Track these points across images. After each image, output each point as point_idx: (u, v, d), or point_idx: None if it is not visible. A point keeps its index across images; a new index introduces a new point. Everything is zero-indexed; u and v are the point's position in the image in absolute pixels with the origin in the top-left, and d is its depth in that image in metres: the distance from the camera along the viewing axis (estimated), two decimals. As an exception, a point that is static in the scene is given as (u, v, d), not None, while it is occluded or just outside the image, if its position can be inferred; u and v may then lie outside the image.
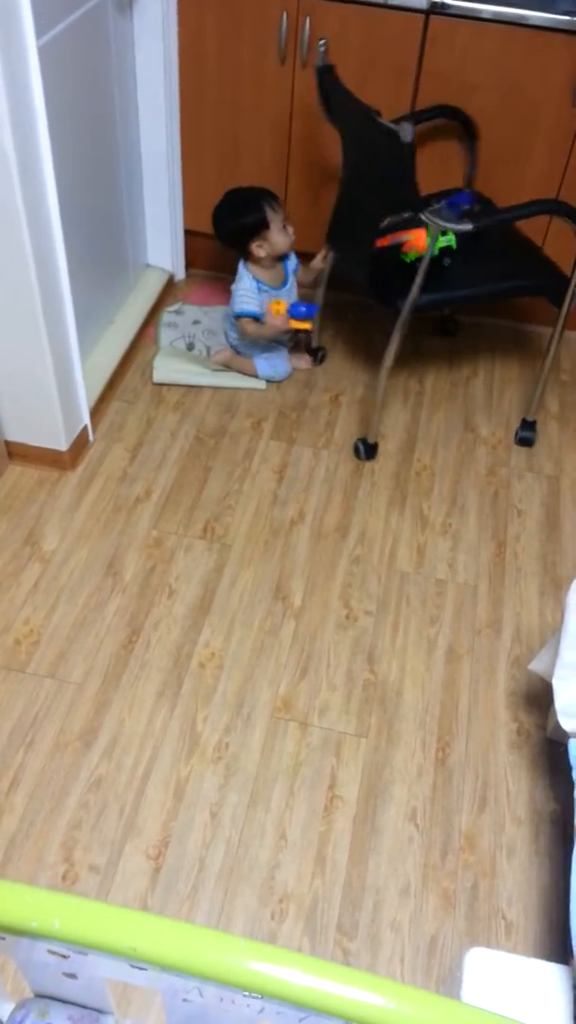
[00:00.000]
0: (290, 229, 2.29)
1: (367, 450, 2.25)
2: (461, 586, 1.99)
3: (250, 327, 2.36)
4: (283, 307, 2.30)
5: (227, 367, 2.45)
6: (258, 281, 2.33)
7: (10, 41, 1.50)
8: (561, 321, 2.11)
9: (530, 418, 2.32)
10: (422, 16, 2.13)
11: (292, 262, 2.40)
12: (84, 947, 0.72)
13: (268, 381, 2.44)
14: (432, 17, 2.13)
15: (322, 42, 1.98)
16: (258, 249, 2.28)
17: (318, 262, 2.37)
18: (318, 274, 2.39)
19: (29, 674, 1.74)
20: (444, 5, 2.10)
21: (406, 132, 1.74)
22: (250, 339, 2.40)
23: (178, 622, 1.86)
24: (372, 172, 2.02)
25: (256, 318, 2.34)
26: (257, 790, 1.61)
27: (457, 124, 2.24)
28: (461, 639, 1.88)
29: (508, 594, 1.98)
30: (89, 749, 1.64)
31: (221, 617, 1.88)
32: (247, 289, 2.33)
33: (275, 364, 2.43)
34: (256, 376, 2.43)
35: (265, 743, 1.68)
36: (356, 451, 2.26)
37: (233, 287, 2.36)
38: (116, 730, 1.67)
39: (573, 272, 2.01)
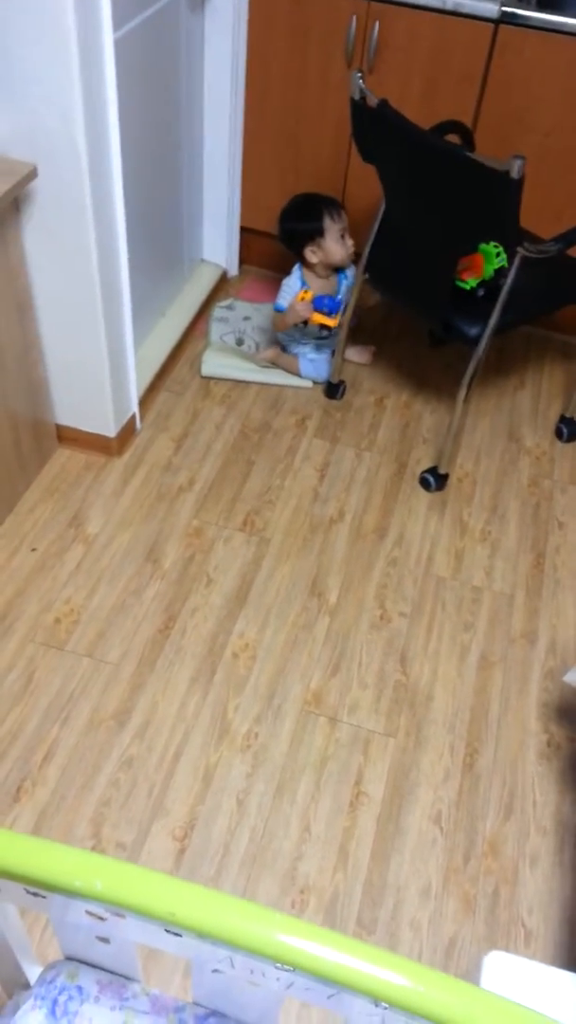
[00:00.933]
0: (349, 241, 2.30)
1: (437, 481, 2.18)
2: (497, 594, 1.99)
3: (277, 320, 2.39)
4: (309, 296, 2.30)
5: (273, 364, 2.47)
6: (305, 283, 2.35)
7: (88, 33, 1.54)
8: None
9: (568, 414, 2.36)
10: (491, 25, 2.14)
11: (348, 278, 2.40)
12: (123, 909, 0.75)
13: (312, 380, 2.46)
14: (501, 26, 2.14)
15: (358, 74, 1.85)
16: (311, 255, 2.30)
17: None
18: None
19: (68, 652, 1.78)
20: (514, 15, 2.11)
21: (516, 168, 1.63)
22: (282, 332, 2.42)
23: (214, 611, 1.88)
24: (452, 209, 1.85)
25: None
26: (284, 781, 1.63)
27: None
28: (495, 647, 1.89)
29: (545, 606, 1.98)
30: (122, 729, 1.67)
31: (257, 609, 1.90)
32: (290, 287, 2.35)
33: (318, 365, 2.45)
34: (299, 375, 2.45)
35: (294, 735, 1.69)
36: (425, 483, 2.19)
37: (282, 283, 2.39)
38: (149, 712, 1.70)
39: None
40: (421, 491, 2.20)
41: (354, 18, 2.20)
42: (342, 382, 2.44)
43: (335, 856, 1.55)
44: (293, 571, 1.99)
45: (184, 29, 2.14)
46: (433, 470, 2.19)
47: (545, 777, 1.68)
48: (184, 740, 1.67)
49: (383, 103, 1.82)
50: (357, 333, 2.52)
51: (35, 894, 0.81)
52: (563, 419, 2.38)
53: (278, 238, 2.38)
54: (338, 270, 2.38)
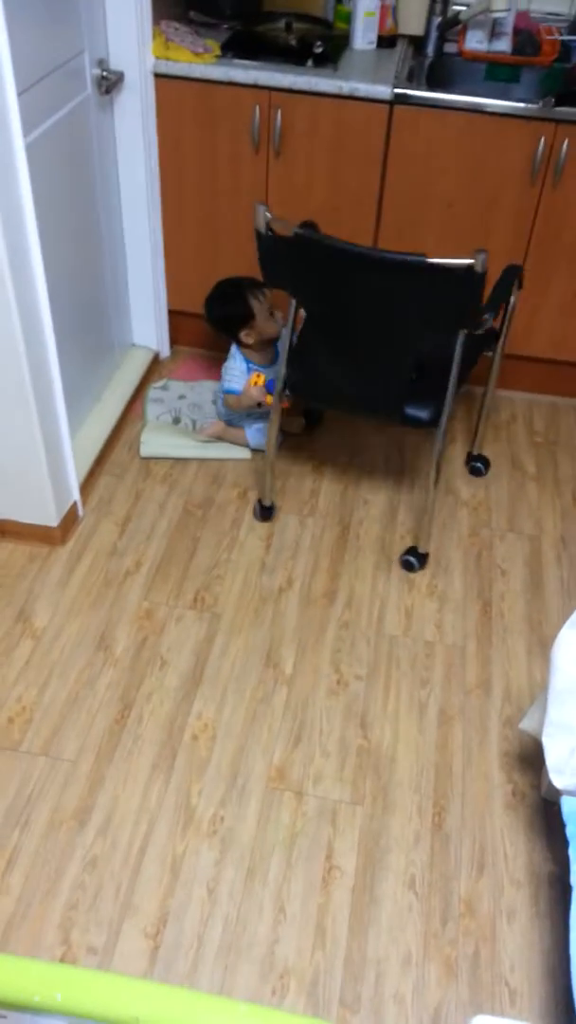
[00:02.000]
0: (278, 315, 2.37)
1: (420, 560, 2.18)
2: (449, 647, 2.01)
3: (232, 401, 2.43)
4: (262, 380, 2.37)
5: (220, 439, 2.51)
6: (248, 361, 2.40)
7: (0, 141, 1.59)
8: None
9: (475, 452, 2.47)
10: (387, 106, 2.26)
11: (285, 340, 2.47)
12: (87, 1020, 0.73)
13: (258, 450, 2.50)
14: (396, 107, 2.26)
15: (263, 207, 1.79)
16: (247, 337, 2.37)
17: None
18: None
19: (23, 752, 1.74)
20: (406, 95, 2.23)
21: (480, 262, 1.65)
22: (234, 412, 2.47)
23: (170, 694, 1.87)
24: (406, 313, 1.82)
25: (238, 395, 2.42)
26: (254, 864, 1.60)
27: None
28: (452, 700, 1.90)
29: (496, 653, 2.00)
30: (84, 828, 1.63)
31: (213, 687, 1.89)
32: (236, 368, 2.41)
33: (264, 432, 2.49)
34: (248, 446, 2.49)
35: (260, 815, 1.67)
36: (408, 565, 2.17)
37: (224, 365, 2.43)
38: (110, 807, 1.66)
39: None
40: (367, 552, 2.23)
41: (257, 107, 2.31)
42: (272, 504, 2.35)
43: (312, 935, 1.52)
44: (247, 644, 1.98)
45: (95, 126, 2.22)
46: (413, 550, 2.19)
47: (513, 828, 1.68)
48: (148, 832, 1.63)
49: (307, 227, 1.79)
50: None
51: (-4, 1017, 0.78)
52: (472, 457, 2.48)
53: (210, 325, 2.43)
54: (272, 341, 2.44)
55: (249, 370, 2.41)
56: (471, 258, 1.66)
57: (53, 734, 1.77)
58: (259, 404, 2.39)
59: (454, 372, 1.90)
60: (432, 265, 1.68)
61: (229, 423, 2.52)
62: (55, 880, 1.55)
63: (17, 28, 1.69)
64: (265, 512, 2.30)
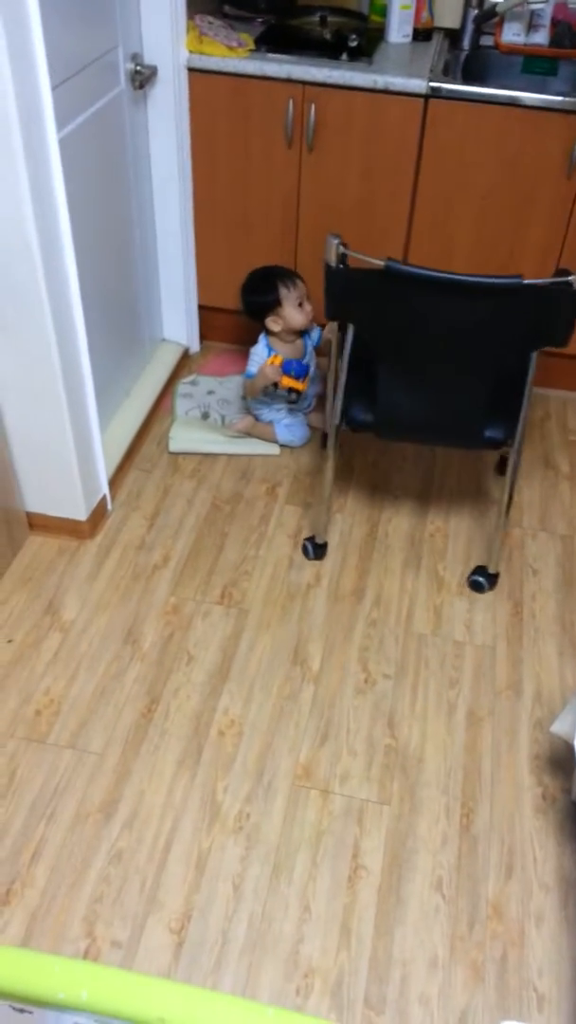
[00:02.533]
0: (308, 307, 2.36)
1: (490, 581, 2.10)
2: (479, 647, 1.98)
3: (247, 384, 2.44)
4: (279, 360, 2.35)
5: (247, 434, 2.50)
6: (271, 349, 2.40)
7: (32, 135, 1.59)
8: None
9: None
10: (422, 100, 2.24)
11: (313, 338, 2.47)
12: (112, 1018, 0.72)
13: (287, 446, 2.49)
14: (431, 100, 2.23)
15: (335, 240, 1.64)
16: (273, 324, 2.36)
17: (326, 333, 2.43)
18: (327, 344, 2.45)
19: (50, 745, 1.74)
20: (440, 89, 2.20)
21: None
22: (253, 398, 2.45)
23: (197, 689, 1.86)
24: (496, 336, 1.73)
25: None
26: (279, 861, 1.59)
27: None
28: (481, 701, 1.87)
29: (527, 654, 1.97)
30: (109, 821, 1.63)
31: (240, 683, 1.88)
32: (257, 354, 2.40)
33: (293, 429, 2.48)
34: (276, 442, 2.48)
35: (287, 812, 1.66)
36: (476, 586, 2.10)
37: (250, 352, 2.43)
38: (136, 801, 1.66)
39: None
40: (396, 549, 2.21)
41: (291, 101, 2.30)
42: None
43: (337, 935, 1.50)
44: (274, 641, 1.97)
45: (128, 121, 2.21)
46: (482, 570, 2.11)
47: (543, 831, 1.65)
48: (174, 827, 1.63)
49: (392, 263, 1.61)
50: (323, 399, 2.56)
51: (21, 1010, 0.78)
52: (504, 456, 2.37)
53: (242, 311, 2.43)
54: (302, 333, 2.43)
55: (271, 354, 2.39)
56: (572, 276, 1.58)
57: (80, 727, 1.78)
58: (275, 385, 2.36)
59: (528, 387, 1.83)
60: (529, 286, 1.60)
61: (258, 418, 2.51)
62: (80, 873, 1.56)
63: (52, 23, 1.69)
64: (318, 550, 2.15)
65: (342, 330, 1.87)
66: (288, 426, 2.48)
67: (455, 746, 1.79)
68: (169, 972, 1.44)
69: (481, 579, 2.11)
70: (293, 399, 2.44)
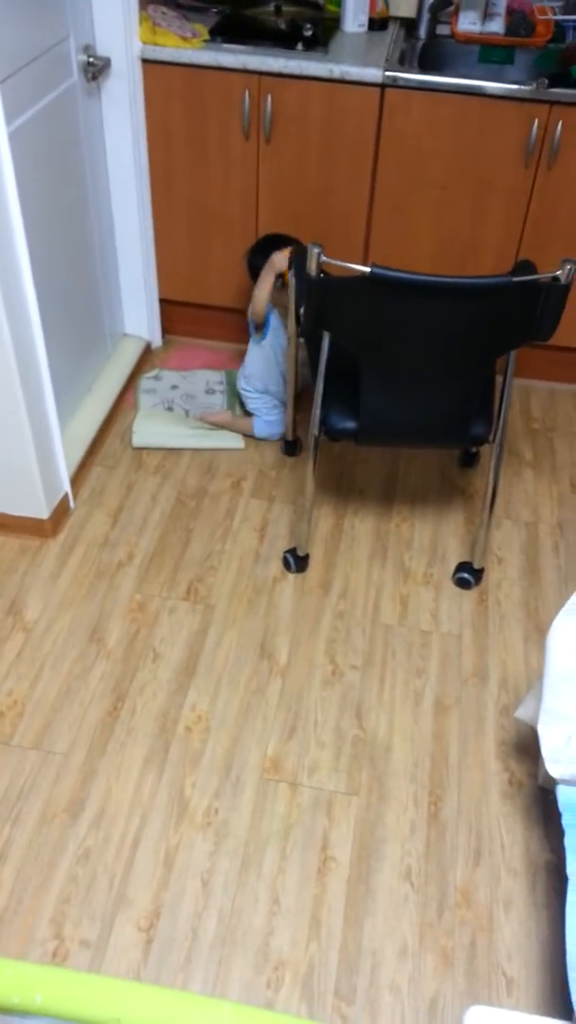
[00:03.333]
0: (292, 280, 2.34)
1: (476, 576, 2.09)
2: (445, 636, 1.99)
3: (257, 300, 2.33)
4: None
5: (223, 427, 2.49)
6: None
7: (-19, 129, 1.56)
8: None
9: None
10: (378, 89, 2.23)
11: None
12: (67, 1021, 0.71)
13: (265, 440, 2.49)
14: (388, 90, 2.23)
15: (317, 249, 1.60)
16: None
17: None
18: None
19: (14, 746, 1.72)
20: (396, 79, 2.20)
21: (567, 272, 1.59)
22: (257, 315, 2.38)
23: (163, 686, 1.85)
24: (483, 333, 1.70)
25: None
26: (248, 855, 1.59)
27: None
28: (448, 689, 1.88)
29: (492, 642, 1.98)
30: (76, 821, 1.62)
31: (207, 678, 1.87)
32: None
33: (273, 425, 2.46)
34: (253, 435, 2.47)
35: (255, 806, 1.66)
36: (463, 583, 2.08)
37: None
38: (103, 800, 1.65)
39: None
40: (362, 541, 2.21)
41: (247, 92, 2.28)
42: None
43: (307, 927, 1.50)
44: (241, 635, 1.97)
45: (81, 113, 2.19)
46: (467, 566, 2.10)
47: (510, 816, 1.66)
48: (142, 825, 1.62)
49: (377, 269, 1.56)
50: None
51: (-23, 1017, 0.77)
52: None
53: (248, 273, 2.42)
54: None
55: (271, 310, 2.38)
56: (558, 270, 1.58)
57: (45, 727, 1.76)
58: (279, 277, 2.28)
59: (509, 381, 1.83)
60: (520, 284, 1.59)
61: (244, 404, 2.49)
62: (47, 874, 1.54)
63: (-2, 12, 1.67)
64: (300, 563, 2.11)
65: (317, 338, 1.83)
66: (269, 422, 2.46)
67: (422, 735, 1.79)
68: (139, 970, 1.44)
69: (467, 575, 2.10)
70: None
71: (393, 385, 1.85)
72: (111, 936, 1.47)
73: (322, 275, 1.65)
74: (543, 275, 1.60)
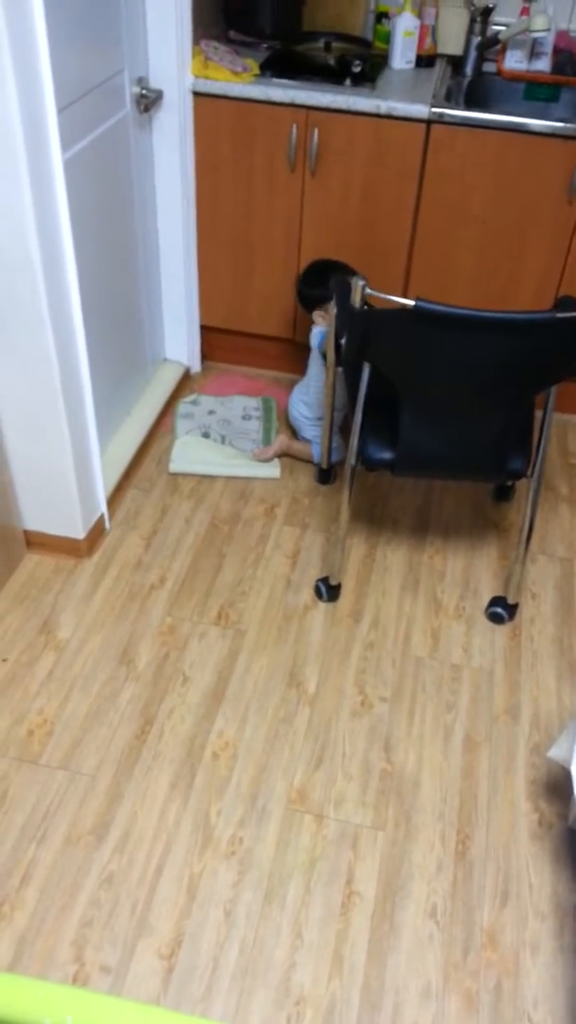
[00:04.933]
0: None
1: (509, 612, 2.07)
2: (477, 671, 1.97)
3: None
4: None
5: (285, 455, 2.52)
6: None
7: (37, 157, 1.60)
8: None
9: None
10: (424, 125, 2.26)
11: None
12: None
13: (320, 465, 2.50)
14: (433, 125, 2.25)
15: (362, 282, 1.64)
16: (319, 318, 2.38)
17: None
18: None
19: (42, 766, 1.73)
20: (443, 115, 2.22)
21: None
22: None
23: (192, 710, 1.85)
24: (526, 368, 1.69)
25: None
26: (272, 887, 1.57)
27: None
28: (478, 726, 1.86)
29: (525, 678, 1.96)
30: (101, 843, 1.61)
31: (235, 705, 1.87)
32: (319, 331, 2.40)
33: (333, 450, 2.46)
34: (312, 461, 2.49)
35: (280, 837, 1.64)
36: (496, 618, 2.07)
37: (315, 335, 2.41)
38: (128, 824, 1.65)
39: None
40: (394, 572, 2.20)
41: (294, 126, 2.32)
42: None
43: (330, 962, 1.48)
44: (270, 663, 1.96)
45: (133, 143, 2.23)
46: (501, 601, 2.09)
47: (539, 858, 1.63)
48: (166, 851, 1.61)
49: (422, 302, 1.55)
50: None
51: (4, 1038, 0.77)
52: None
53: (296, 299, 2.47)
54: None
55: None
56: None
57: (73, 747, 1.76)
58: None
59: (549, 416, 1.82)
60: (562, 320, 1.57)
61: (298, 432, 2.50)
62: (71, 895, 1.54)
63: (59, 46, 1.72)
64: (332, 592, 2.10)
65: (356, 368, 1.84)
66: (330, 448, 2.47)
67: (451, 771, 1.77)
68: (158, 998, 1.42)
69: (500, 610, 2.08)
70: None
71: (432, 417, 1.85)
72: (132, 962, 1.46)
73: (365, 307, 1.66)
74: None
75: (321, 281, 2.35)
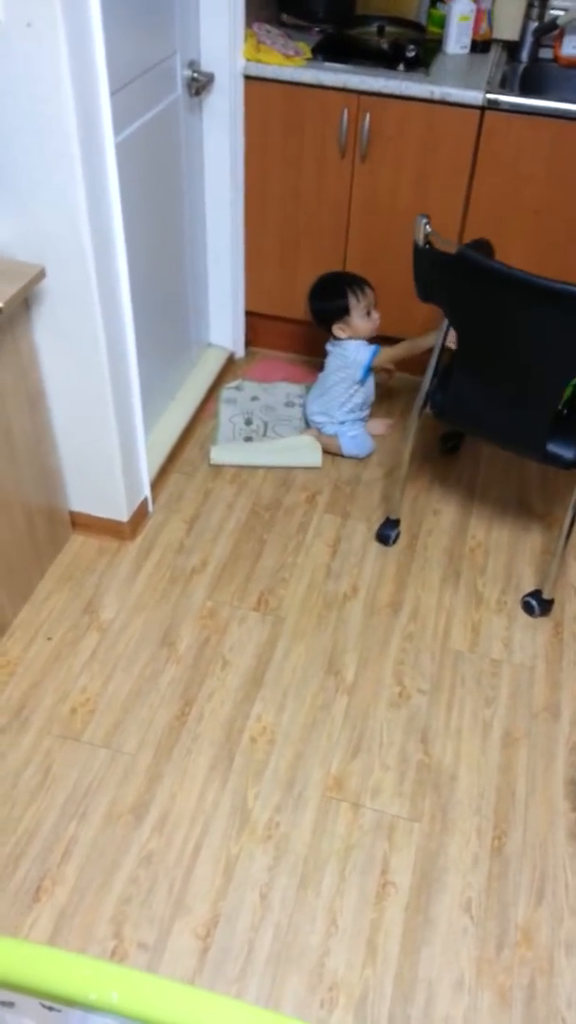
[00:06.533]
0: (375, 315, 2.37)
1: (542, 606, 2.06)
2: (517, 667, 1.96)
3: (383, 358, 2.42)
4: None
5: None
6: (365, 344, 2.40)
7: (90, 140, 1.61)
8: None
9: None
10: (478, 112, 2.22)
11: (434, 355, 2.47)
12: (139, 1022, 0.72)
13: (353, 458, 2.49)
14: (487, 112, 2.22)
15: (424, 219, 1.75)
16: (340, 331, 2.38)
17: (382, 360, 2.45)
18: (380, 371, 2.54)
19: (84, 743, 1.76)
20: (498, 101, 2.19)
21: None
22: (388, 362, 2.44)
23: (231, 694, 1.86)
24: (565, 344, 1.69)
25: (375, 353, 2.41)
26: (307, 873, 1.58)
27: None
28: (518, 722, 1.85)
29: (566, 677, 1.94)
30: (140, 823, 1.64)
31: (273, 690, 1.88)
32: (358, 344, 2.39)
33: (359, 441, 2.47)
34: (341, 454, 2.48)
35: (316, 824, 1.65)
36: (528, 608, 2.07)
37: (339, 360, 2.41)
38: (167, 804, 1.67)
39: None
40: (434, 564, 2.19)
41: (345, 111, 2.30)
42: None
43: (363, 950, 1.49)
44: (308, 650, 1.97)
45: (183, 127, 2.23)
46: (537, 593, 2.08)
47: (577, 857, 1.62)
48: (204, 832, 1.63)
49: (465, 251, 1.67)
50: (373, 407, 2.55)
51: (50, 1008, 0.79)
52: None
53: (310, 315, 2.44)
54: (370, 342, 2.43)
55: (366, 344, 2.40)
56: None
57: (115, 727, 1.79)
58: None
59: None
60: None
61: (320, 429, 2.50)
62: (110, 873, 1.56)
63: (113, 30, 1.71)
64: (389, 526, 2.22)
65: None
66: (353, 438, 2.47)
67: (489, 766, 1.76)
68: (194, 978, 1.44)
69: (533, 602, 2.07)
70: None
71: (481, 373, 1.90)
72: (168, 941, 1.48)
73: (427, 246, 1.76)
74: None
75: (337, 294, 2.33)
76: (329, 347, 2.44)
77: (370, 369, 2.40)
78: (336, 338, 2.41)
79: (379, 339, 2.49)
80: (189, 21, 2.14)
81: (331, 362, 2.44)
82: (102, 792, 1.68)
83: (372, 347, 2.39)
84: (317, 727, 1.81)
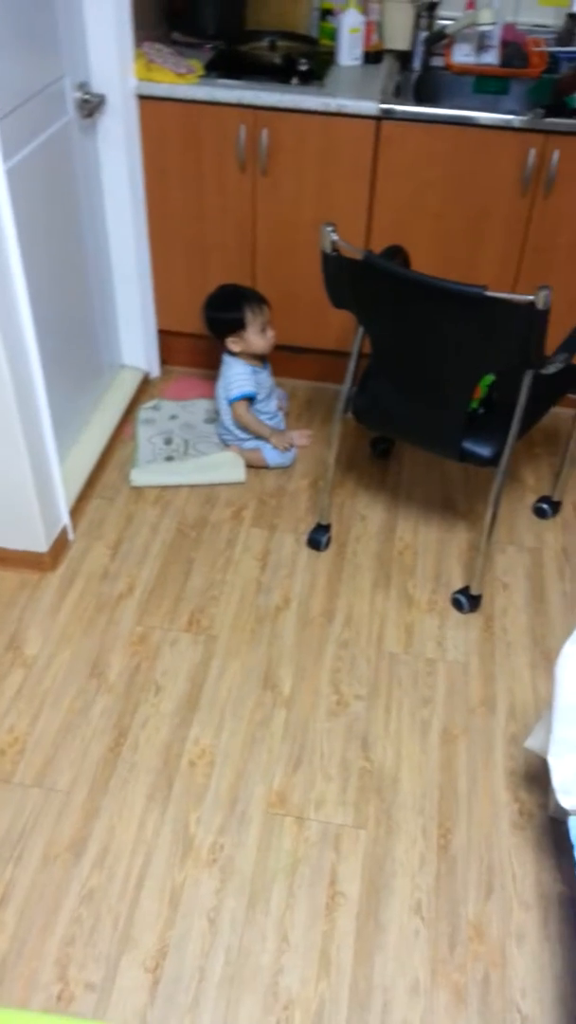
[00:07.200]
0: (270, 333, 2.37)
1: (471, 602, 2.09)
2: (451, 664, 1.97)
3: (245, 412, 2.41)
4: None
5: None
6: (248, 365, 2.39)
7: (-21, 166, 1.57)
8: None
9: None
10: (374, 122, 2.25)
11: (267, 366, 2.49)
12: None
13: (279, 468, 2.49)
14: (383, 122, 2.25)
15: (329, 228, 1.77)
16: (233, 344, 2.36)
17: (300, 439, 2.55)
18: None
19: (15, 784, 1.70)
20: (392, 111, 2.22)
21: (542, 299, 1.57)
22: (242, 426, 2.44)
23: (166, 719, 1.83)
24: (467, 345, 1.73)
25: (252, 398, 2.41)
26: (255, 892, 1.56)
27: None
28: (455, 719, 1.86)
29: (499, 670, 1.96)
30: (79, 860, 1.59)
31: (210, 711, 1.85)
32: (241, 373, 2.39)
33: (284, 452, 2.47)
34: (267, 466, 2.48)
35: (261, 841, 1.63)
36: (457, 604, 2.09)
37: (223, 377, 2.42)
38: (107, 838, 1.62)
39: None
40: (364, 569, 2.20)
41: (243, 126, 2.30)
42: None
43: (317, 964, 1.47)
44: (244, 666, 1.95)
45: (77, 149, 2.20)
46: (465, 590, 2.10)
47: (521, 848, 1.63)
48: (146, 863, 1.59)
49: (370, 256, 1.74)
50: (289, 417, 2.55)
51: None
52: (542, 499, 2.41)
53: (204, 323, 2.42)
54: (262, 358, 2.43)
55: (254, 372, 2.39)
56: (533, 294, 1.57)
57: (46, 765, 1.73)
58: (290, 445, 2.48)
59: (518, 412, 1.83)
60: (490, 298, 1.60)
61: (240, 445, 2.49)
62: (51, 915, 1.51)
63: (-4, 51, 1.68)
64: (320, 531, 2.24)
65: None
66: (276, 448, 2.46)
67: (430, 765, 1.77)
68: (145, 1012, 1.40)
69: (462, 598, 2.09)
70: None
71: (395, 376, 1.94)
72: (117, 977, 1.44)
73: (335, 254, 1.79)
74: (516, 296, 1.59)
75: (234, 306, 2.34)
76: (223, 360, 2.44)
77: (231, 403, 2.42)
78: (229, 352, 2.40)
79: (293, 350, 2.51)
80: (76, 43, 2.12)
81: (219, 380, 2.45)
82: (37, 833, 1.62)
83: (244, 390, 2.39)
84: (257, 744, 1.79)
